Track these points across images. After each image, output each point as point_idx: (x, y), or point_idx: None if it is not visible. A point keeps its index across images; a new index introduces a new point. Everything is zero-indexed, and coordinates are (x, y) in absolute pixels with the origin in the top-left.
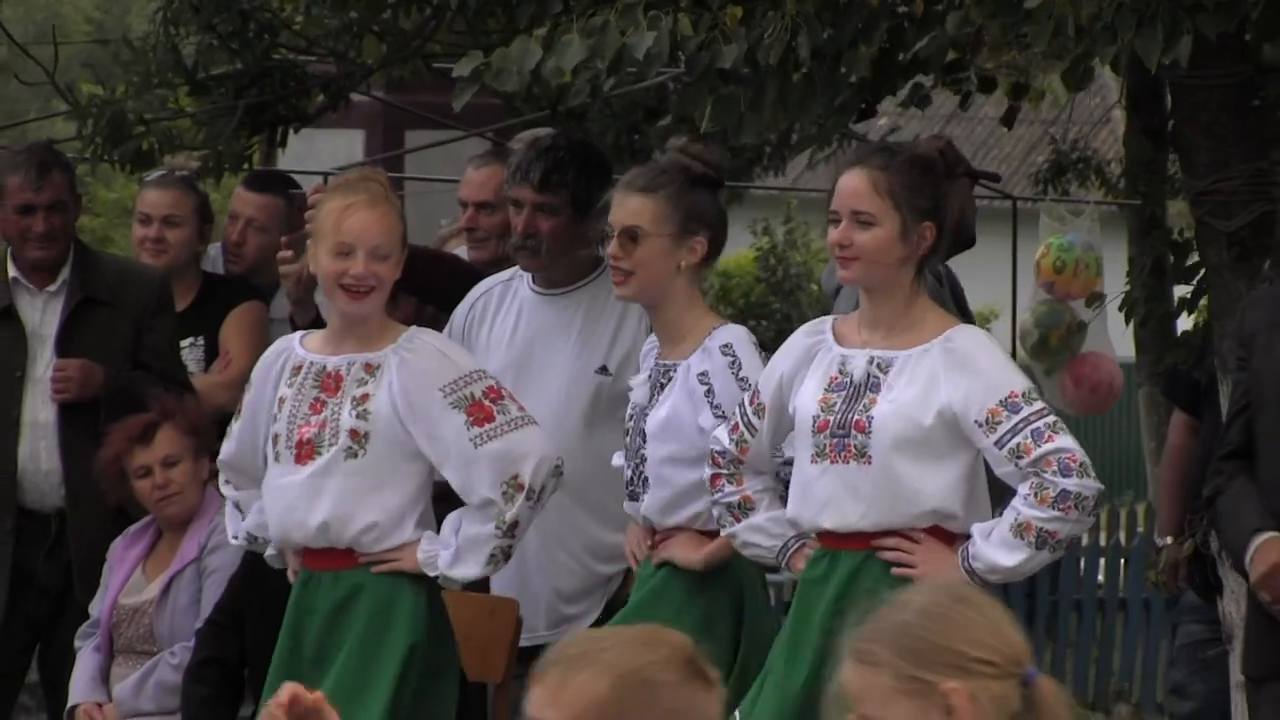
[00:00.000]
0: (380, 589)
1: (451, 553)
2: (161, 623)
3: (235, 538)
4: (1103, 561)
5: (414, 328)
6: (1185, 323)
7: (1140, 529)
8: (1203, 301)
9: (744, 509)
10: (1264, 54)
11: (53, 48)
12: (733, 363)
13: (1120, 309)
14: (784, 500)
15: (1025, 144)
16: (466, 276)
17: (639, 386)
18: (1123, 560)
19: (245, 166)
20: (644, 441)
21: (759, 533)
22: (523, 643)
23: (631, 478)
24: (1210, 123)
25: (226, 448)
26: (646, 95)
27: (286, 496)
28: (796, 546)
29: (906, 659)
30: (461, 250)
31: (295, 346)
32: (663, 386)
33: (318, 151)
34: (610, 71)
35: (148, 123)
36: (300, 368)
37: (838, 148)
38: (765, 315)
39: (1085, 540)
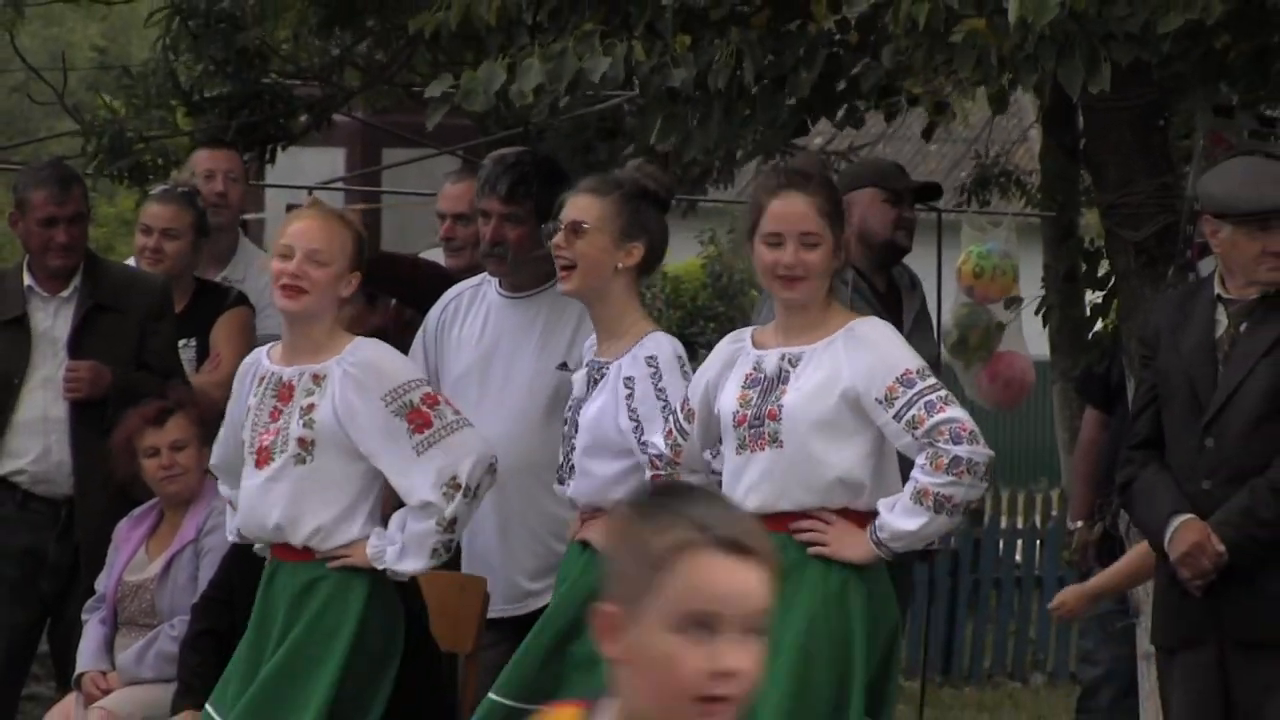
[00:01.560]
0: (334, 581)
1: (397, 549)
2: (162, 598)
3: (230, 534)
4: (1020, 543)
5: (358, 339)
6: (1096, 325)
7: (1054, 513)
8: (1113, 305)
9: None
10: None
11: (62, 72)
12: (654, 374)
13: (1036, 313)
14: None
15: (949, 160)
16: (440, 281)
17: (578, 380)
18: (1038, 542)
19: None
20: (575, 431)
21: None
22: (490, 615)
23: (562, 463)
24: (1119, 141)
25: (216, 452)
26: (600, 116)
27: (249, 498)
28: None
29: None
30: (437, 255)
31: (262, 358)
32: (596, 382)
33: (303, 167)
34: (568, 92)
35: (147, 140)
36: (264, 378)
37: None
38: (712, 318)
39: (1004, 524)
